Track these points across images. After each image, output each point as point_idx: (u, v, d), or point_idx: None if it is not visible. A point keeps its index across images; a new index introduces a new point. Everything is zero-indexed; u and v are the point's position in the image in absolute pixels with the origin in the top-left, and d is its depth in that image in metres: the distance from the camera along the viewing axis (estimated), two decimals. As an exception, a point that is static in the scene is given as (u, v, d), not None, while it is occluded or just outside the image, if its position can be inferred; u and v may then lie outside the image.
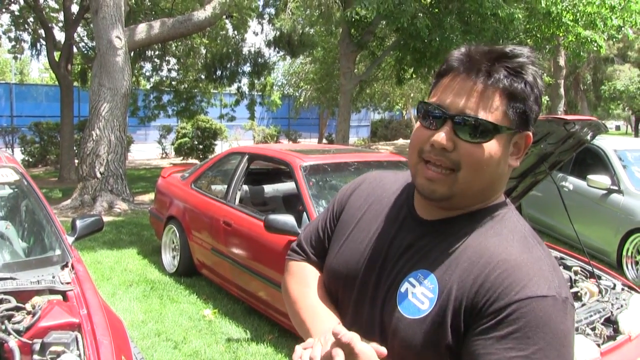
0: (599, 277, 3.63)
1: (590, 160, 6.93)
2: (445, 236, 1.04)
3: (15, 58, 18.54)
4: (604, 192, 6.47)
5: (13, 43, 15.14)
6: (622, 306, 3.24)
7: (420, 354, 0.97)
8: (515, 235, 1.02)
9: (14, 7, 14.15)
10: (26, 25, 14.68)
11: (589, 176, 6.50)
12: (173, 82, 17.03)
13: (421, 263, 1.04)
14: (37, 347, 2.00)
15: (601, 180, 6.38)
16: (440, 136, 0.99)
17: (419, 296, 1.01)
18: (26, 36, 15.05)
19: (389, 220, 1.15)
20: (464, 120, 0.98)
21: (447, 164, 1.00)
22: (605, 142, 6.92)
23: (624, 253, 6.10)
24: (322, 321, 1.11)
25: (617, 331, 3.05)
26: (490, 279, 0.94)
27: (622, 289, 3.53)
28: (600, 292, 3.41)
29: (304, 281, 1.24)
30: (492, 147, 0.99)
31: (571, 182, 7.00)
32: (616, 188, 6.38)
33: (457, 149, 0.99)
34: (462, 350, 0.94)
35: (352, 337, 0.91)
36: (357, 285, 1.13)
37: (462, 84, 1.00)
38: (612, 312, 3.16)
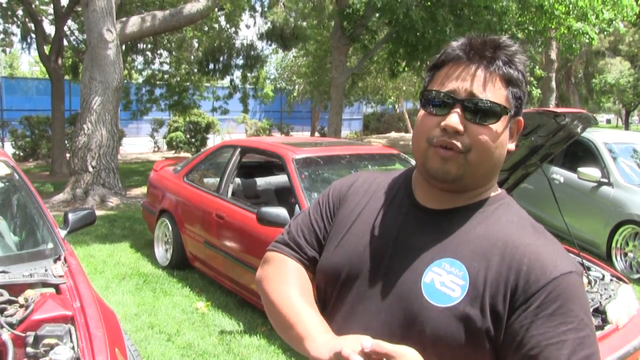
0: (589, 268, 3.68)
1: (580, 153, 6.96)
2: (459, 225, 1.07)
3: (4, 51, 18.33)
4: (594, 184, 6.52)
5: (2, 36, 14.95)
6: (610, 297, 3.28)
7: (454, 341, 0.98)
8: (526, 222, 1.08)
9: (2, 0, 13.99)
10: (15, 18, 14.50)
11: (580, 169, 6.53)
12: (165, 76, 16.91)
13: (442, 252, 1.04)
14: (30, 339, 2.00)
15: (591, 172, 6.43)
16: (453, 119, 1.02)
17: (449, 284, 1.01)
18: (15, 29, 14.91)
19: (390, 213, 1.15)
20: (474, 103, 1.02)
21: (459, 147, 1.02)
22: (595, 135, 6.96)
23: (613, 245, 6.16)
24: (316, 327, 1.06)
25: (605, 321, 3.10)
26: (525, 262, 0.99)
27: (611, 280, 3.58)
28: (589, 282, 3.46)
29: (286, 279, 1.18)
30: (498, 128, 1.04)
31: (562, 174, 7.05)
32: (606, 181, 6.42)
33: (467, 131, 1.02)
34: (507, 334, 0.97)
35: (378, 343, 0.90)
36: (360, 280, 1.11)
37: (466, 71, 1.04)
38: (600, 302, 3.20)
